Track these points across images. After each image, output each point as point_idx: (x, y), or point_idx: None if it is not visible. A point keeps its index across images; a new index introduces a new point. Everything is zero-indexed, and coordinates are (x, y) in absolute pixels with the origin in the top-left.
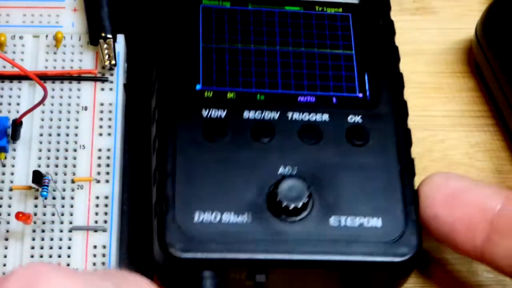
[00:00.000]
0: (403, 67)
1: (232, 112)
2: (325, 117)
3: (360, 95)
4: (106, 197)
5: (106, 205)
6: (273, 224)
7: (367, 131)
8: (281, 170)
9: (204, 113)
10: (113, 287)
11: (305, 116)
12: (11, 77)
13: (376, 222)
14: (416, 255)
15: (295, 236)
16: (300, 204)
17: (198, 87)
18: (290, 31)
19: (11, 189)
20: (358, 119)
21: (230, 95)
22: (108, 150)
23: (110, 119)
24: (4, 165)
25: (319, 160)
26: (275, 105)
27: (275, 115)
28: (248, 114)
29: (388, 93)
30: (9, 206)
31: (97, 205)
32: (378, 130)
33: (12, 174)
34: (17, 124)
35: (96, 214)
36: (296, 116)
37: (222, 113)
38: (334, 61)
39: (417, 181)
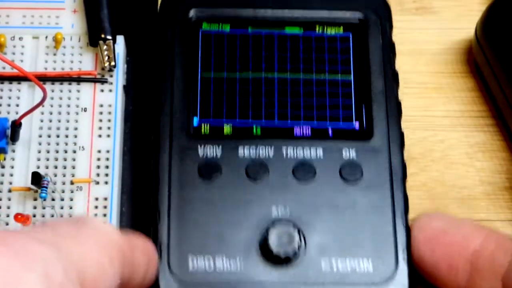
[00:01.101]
0: (403, 67)
1: (228, 150)
2: (320, 153)
3: (357, 125)
4: (105, 199)
5: (105, 207)
6: (266, 269)
7: (361, 167)
8: (274, 211)
9: (200, 151)
10: (51, 250)
11: (300, 153)
12: (11, 78)
13: (367, 263)
14: None
15: (287, 280)
16: (290, 252)
17: (195, 121)
18: (289, 55)
19: (10, 190)
20: (352, 154)
21: (226, 129)
22: (108, 151)
23: (109, 120)
24: (3, 166)
25: (312, 199)
26: (271, 139)
27: (270, 152)
28: (243, 152)
29: (385, 123)
30: (8, 208)
31: (96, 207)
32: (373, 165)
33: (11, 175)
34: (16, 125)
35: (95, 215)
36: (291, 152)
37: (217, 151)
38: (332, 88)
39: (415, 182)
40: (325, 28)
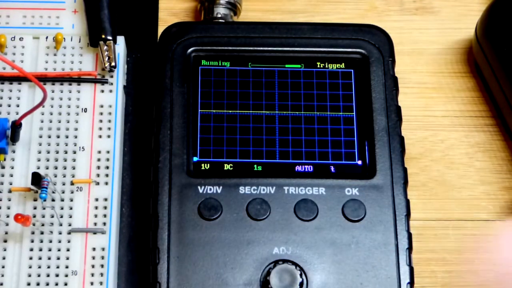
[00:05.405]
0: (403, 67)
1: (228, 188)
2: (322, 191)
3: (360, 162)
4: (105, 199)
5: (105, 207)
6: None
7: (364, 205)
8: (275, 251)
9: (200, 190)
10: None
11: (302, 191)
12: (11, 79)
13: None
14: None
15: None
16: None
17: (195, 159)
18: (289, 93)
19: (10, 191)
20: (355, 192)
21: (227, 166)
22: (108, 152)
23: (109, 121)
24: (3, 167)
25: (315, 238)
26: (272, 176)
27: (271, 190)
28: (244, 190)
29: (388, 160)
30: (8, 208)
31: (96, 207)
32: (376, 203)
33: (11, 175)
34: (16, 125)
35: (95, 216)
36: (293, 190)
37: (218, 189)
38: (334, 125)
39: (415, 182)
40: (327, 64)
